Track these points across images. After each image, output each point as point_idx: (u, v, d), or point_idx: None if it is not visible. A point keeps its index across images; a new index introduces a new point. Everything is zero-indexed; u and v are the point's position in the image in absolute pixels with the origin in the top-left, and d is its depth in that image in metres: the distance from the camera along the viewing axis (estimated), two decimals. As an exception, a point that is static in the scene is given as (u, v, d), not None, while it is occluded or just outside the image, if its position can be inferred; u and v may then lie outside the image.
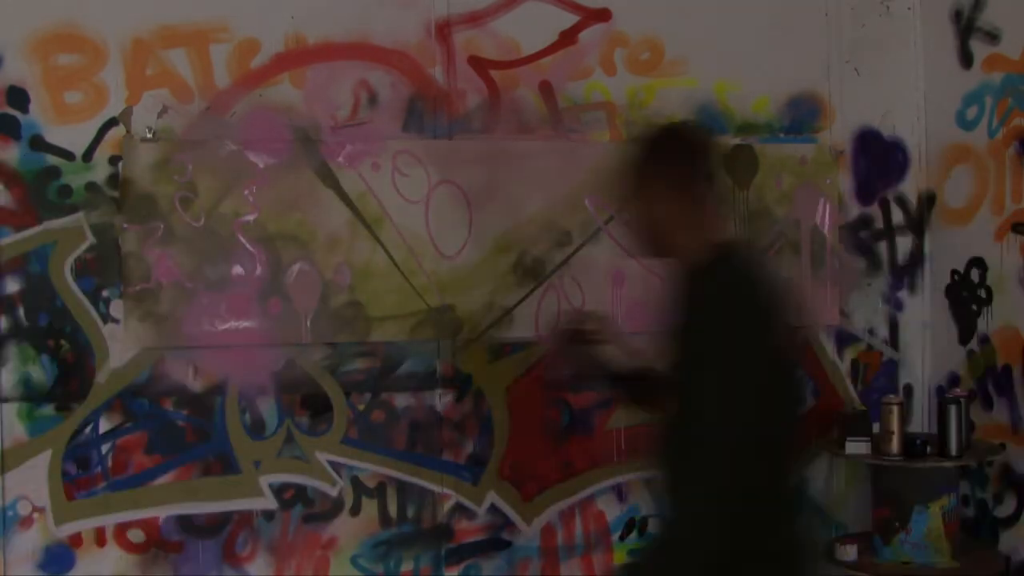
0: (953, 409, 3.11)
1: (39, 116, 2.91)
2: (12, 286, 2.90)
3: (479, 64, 3.20)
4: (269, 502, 3.09)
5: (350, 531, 3.15)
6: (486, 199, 3.18)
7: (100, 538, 2.97)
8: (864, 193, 3.53)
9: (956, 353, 3.43)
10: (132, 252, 2.95)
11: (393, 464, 3.17)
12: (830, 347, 3.51)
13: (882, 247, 3.56)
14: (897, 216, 3.56)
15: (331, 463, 3.12)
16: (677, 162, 2.05)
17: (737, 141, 3.39)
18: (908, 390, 3.58)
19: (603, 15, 3.29)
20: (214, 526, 3.05)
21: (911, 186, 3.57)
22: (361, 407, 3.15)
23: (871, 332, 3.55)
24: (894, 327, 3.57)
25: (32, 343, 2.91)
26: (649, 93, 3.33)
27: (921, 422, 3.57)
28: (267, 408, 3.08)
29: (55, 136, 2.92)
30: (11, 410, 2.90)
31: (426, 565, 3.21)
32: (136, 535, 3.00)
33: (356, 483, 3.15)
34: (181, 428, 3.02)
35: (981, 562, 3.16)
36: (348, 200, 3.09)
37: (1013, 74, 3.15)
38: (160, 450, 3.00)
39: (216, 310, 3.00)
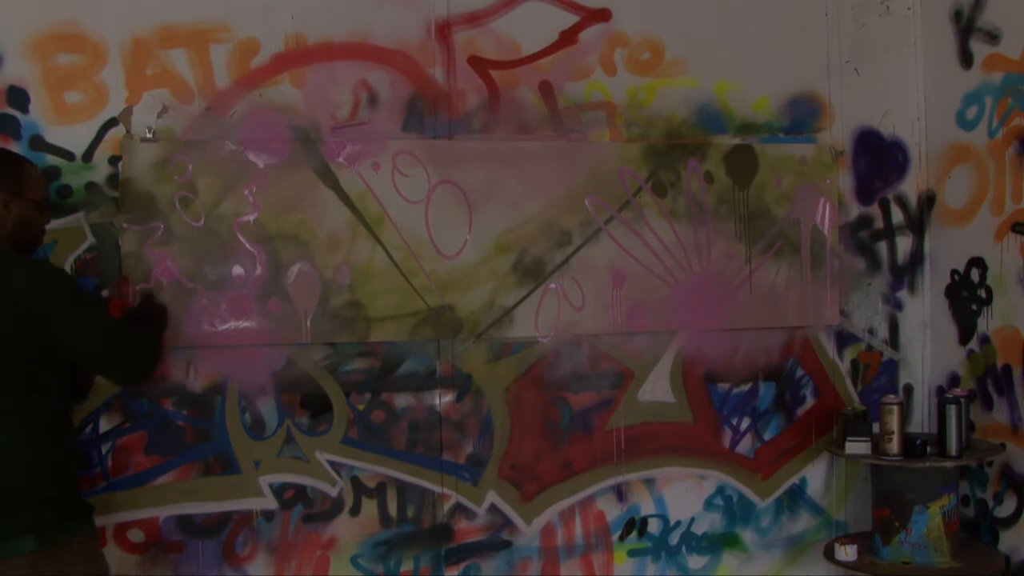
0: (953, 409, 3.12)
1: (39, 116, 2.91)
2: (12, 286, 2.90)
3: (479, 64, 3.21)
4: (269, 502, 3.09)
5: (350, 531, 3.15)
6: (486, 199, 3.18)
7: (100, 538, 2.96)
8: (864, 193, 3.54)
9: (956, 353, 3.43)
10: (132, 252, 2.95)
11: (393, 464, 3.17)
12: (830, 347, 3.52)
13: (882, 247, 3.56)
14: (897, 216, 3.56)
15: (331, 463, 3.13)
16: None
17: (737, 141, 3.40)
18: (908, 390, 3.58)
19: (603, 15, 3.29)
20: (214, 526, 3.05)
21: (911, 186, 3.57)
22: (361, 407, 3.15)
23: (871, 332, 3.55)
24: (894, 327, 3.57)
25: (32, 343, 2.91)
26: (649, 93, 3.33)
27: (921, 422, 3.57)
28: (267, 408, 3.08)
29: (55, 136, 2.92)
30: (11, 410, 2.90)
31: (426, 565, 3.21)
32: (136, 535, 3.00)
33: (356, 483, 3.15)
34: (181, 428, 3.02)
35: (981, 562, 3.16)
36: (348, 200, 3.09)
37: (1013, 74, 3.15)
38: (160, 450, 3.00)
39: (216, 310, 3.00)
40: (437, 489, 3.21)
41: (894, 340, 3.58)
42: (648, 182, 3.31)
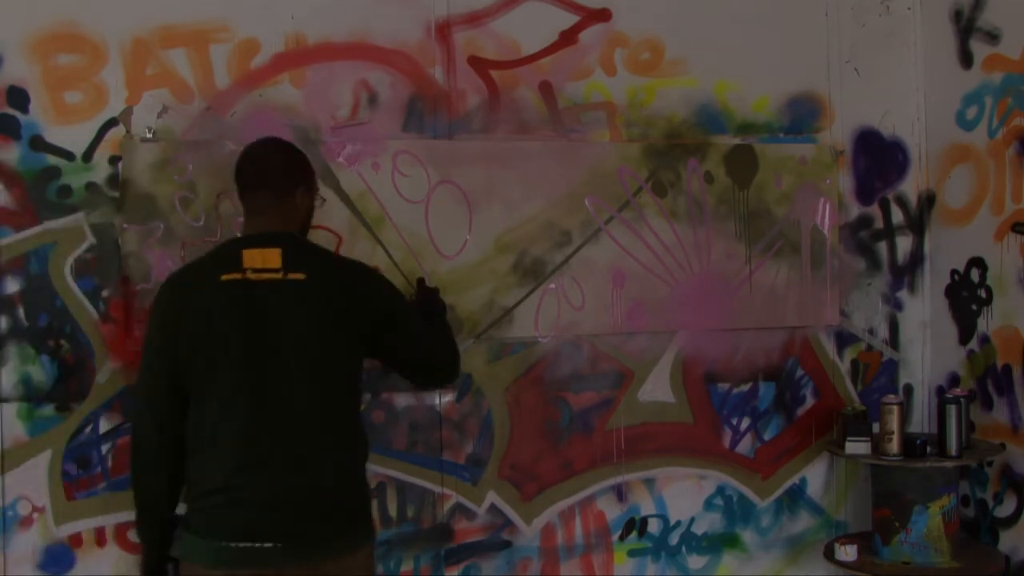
0: (953, 409, 3.12)
1: (39, 116, 2.90)
2: (12, 286, 2.90)
3: (479, 64, 3.21)
4: (269, 502, 3.08)
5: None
6: (486, 199, 3.18)
7: (100, 538, 2.97)
8: (864, 193, 3.54)
9: (956, 353, 3.43)
10: (132, 252, 2.95)
11: (393, 464, 3.17)
12: (830, 347, 3.52)
13: (882, 247, 3.56)
14: (897, 216, 3.56)
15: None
16: None
17: (737, 141, 3.40)
18: (908, 390, 3.58)
19: (603, 15, 3.29)
20: (214, 526, 3.05)
21: (911, 186, 3.57)
22: (361, 407, 3.14)
23: (871, 332, 3.55)
24: (894, 327, 3.58)
25: (32, 343, 2.91)
26: (649, 93, 3.33)
27: (921, 422, 3.57)
28: (267, 408, 3.07)
29: (55, 136, 2.91)
30: (11, 410, 2.90)
31: (426, 565, 3.21)
32: (136, 535, 2.99)
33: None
34: (181, 428, 3.02)
35: (981, 562, 3.16)
36: (348, 200, 3.09)
37: (1013, 74, 3.15)
38: (160, 450, 3.00)
39: (216, 310, 3.00)
40: (437, 489, 3.21)
41: (894, 340, 3.58)
42: (648, 182, 3.31)
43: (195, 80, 3.00)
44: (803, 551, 3.51)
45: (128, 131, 2.96)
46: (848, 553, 3.19)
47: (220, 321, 2.35)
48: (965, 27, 3.34)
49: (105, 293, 2.95)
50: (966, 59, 3.35)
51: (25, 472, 2.90)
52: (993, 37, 3.23)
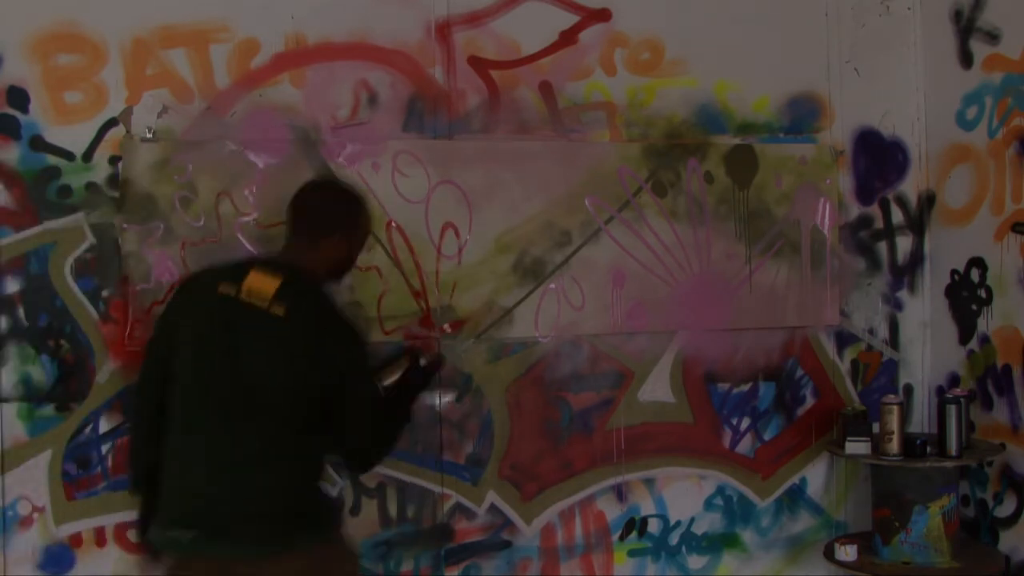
0: (953, 409, 3.12)
1: (39, 116, 2.91)
2: (12, 286, 2.90)
3: (479, 64, 3.21)
4: (269, 502, 3.08)
5: (350, 531, 3.14)
6: (486, 199, 3.18)
7: (100, 538, 2.97)
8: (864, 193, 3.54)
9: (956, 353, 3.43)
10: (132, 252, 2.95)
11: (393, 464, 3.16)
12: (830, 347, 3.52)
13: (882, 247, 3.56)
14: (897, 216, 3.56)
15: (331, 463, 3.12)
16: None
17: (737, 141, 3.40)
18: (908, 390, 3.58)
19: (603, 15, 3.29)
20: (214, 526, 3.05)
21: (911, 186, 3.57)
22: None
23: (871, 332, 3.55)
24: (894, 327, 3.58)
25: (32, 343, 2.91)
26: (649, 93, 3.33)
27: (921, 422, 3.57)
28: (267, 408, 3.07)
29: (55, 136, 2.92)
30: (11, 410, 2.90)
31: (426, 565, 3.21)
32: (136, 535, 2.99)
33: (356, 483, 3.15)
34: (181, 428, 3.02)
35: (981, 562, 3.16)
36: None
37: (1013, 74, 3.15)
38: (160, 450, 3.00)
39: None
40: (437, 489, 3.21)
41: (894, 340, 3.58)
42: (648, 182, 3.31)
43: (195, 80, 3.00)
44: (803, 551, 3.50)
45: (128, 131, 2.96)
46: (848, 553, 3.19)
47: (202, 329, 2.39)
48: (965, 27, 3.34)
49: (105, 293, 2.95)
50: (966, 59, 3.35)
51: (25, 472, 2.91)
52: (993, 37, 3.23)
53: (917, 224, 3.57)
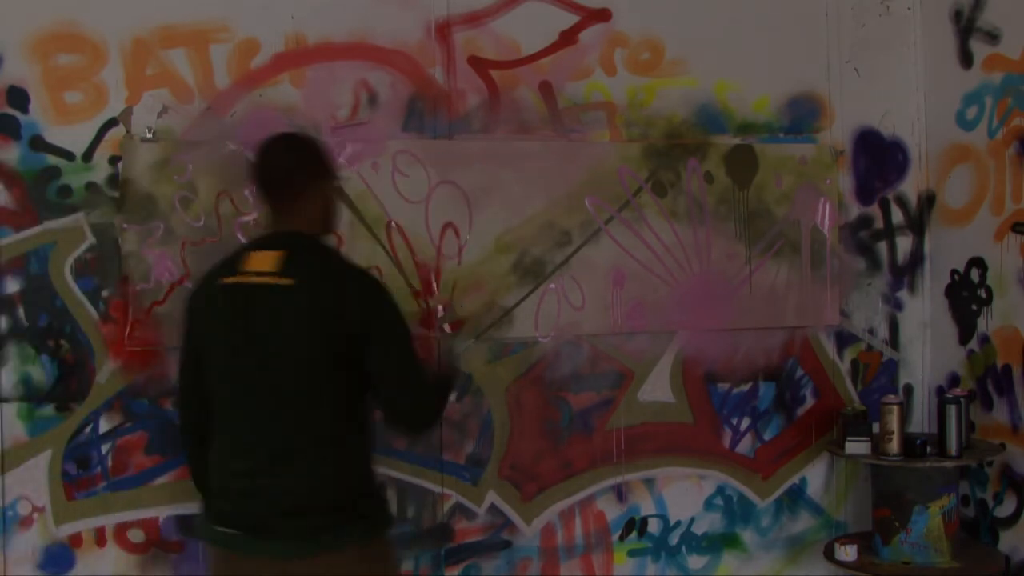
0: (953, 409, 3.12)
1: (39, 116, 2.91)
2: (12, 286, 2.90)
3: (479, 64, 3.21)
4: (269, 502, 3.08)
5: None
6: (486, 199, 3.18)
7: (100, 538, 2.97)
8: (864, 193, 3.54)
9: (956, 353, 3.43)
10: (132, 252, 2.95)
11: (393, 464, 3.16)
12: (830, 347, 3.52)
13: (882, 247, 3.56)
14: (897, 216, 3.56)
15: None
16: None
17: (737, 141, 3.40)
18: (908, 390, 3.58)
19: (603, 15, 3.29)
20: (214, 526, 3.05)
21: (911, 186, 3.57)
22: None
23: (871, 332, 3.55)
24: (894, 327, 3.58)
25: (32, 343, 2.91)
26: (649, 93, 3.33)
27: (921, 422, 3.57)
28: (267, 408, 3.07)
29: (55, 136, 2.92)
30: (11, 410, 2.90)
31: (426, 565, 3.21)
32: (136, 535, 3.00)
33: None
34: (181, 428, 3.02)
35: (981, 562, 3.16)
36: (348, 200, 3.08)
37: (1013, 74, 3.15)
38: (160, 450, 3.00)
39: (216, 310, 3.00)
40: (437, 489, 3.21)
41: (894, 340, 3.58)
42: (648, 182, 3.31)
43: (195, 80, 3.00)
44: (803, 551, 3.51)
45: (128, 131, 2.96)
46: (848, 553, 3.19)
47: (217, 323, 2.35)
48: (965, 27, 3.34)
49: (105, 293, 2.95)
50: (966, 59, 3.35)
51: (25, 472, 2.91)
52: (993, 37, 3.23)
53: (917, 224, 3.57)
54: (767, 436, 3.48)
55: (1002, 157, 3.20)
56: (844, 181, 3.51)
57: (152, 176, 2.96)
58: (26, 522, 2.92)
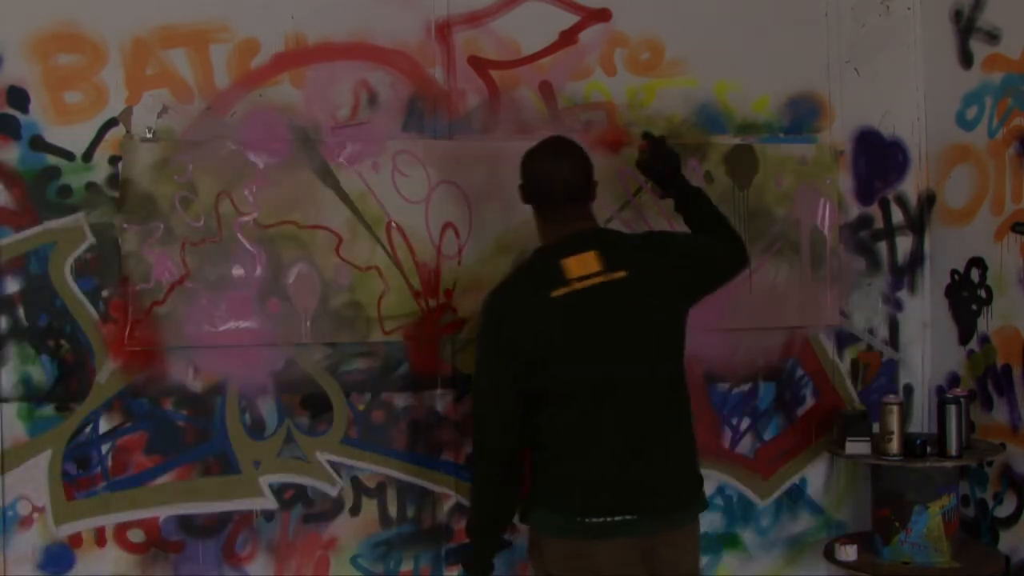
0: (953, 409, 3.12)
1: (39, 116, 2.91)
2: (12, 286, 2.90)
3: (479, 64, 3.21)
4: (269, 502, 3.09)
5: (350, 531, 3.15)
6: (486, 199, 3.18)
7: (100, 538, 2.97)
8: (864, 193, 3.54)
9: (956, 353, 3.43)
10: (132, 252, 2.95)
11: (393, 464, 3.17)
12: (830, 347, 3.52)
13: (882, 247, 3.56)
14: (897, 216, 3.56)
15: (331, 463, 3.12)
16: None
17: (737, 141, 3.40)
18: (908, 390, 3.58)
19: (603, 15, 3.29)
20: (214, 526, 3.05)
21: (911, 186, 3.57)
22: (361, 407, 3.15)
23: (871, 332, 3.55)
24: (894, 327, 3.58)
25: (32, 343, 2.91)
26: (649, 93, 3.33)
27: (921, 422, 3.57)
28: (267, 408, 3.08)
29: (55, 136, 2.92)
30: (11, 410, 2.90)
31: (426, 565, 3.21)
32: (136, 535, 3.00)
33: (356, 483, 3.15)
34: (181, 428, 3.02)
35: (981, 562, 3.16)
36: (348, 200, 3.09)
37: (1013, 74, 3.15)
38: (160, 450, 3.00)
39: (216, 310, 3.00)
40: (437, 489, 3.21)
41: (894, 340, 3.58)
42: (648, 182, 3.30)
43: (195, 80, 3.00)
44: (803, 551, 3.50)
45: (128, 131, 2.96)
46: (848, 553, 3.19)
47: (563, 334, 2.45)
48: (965, 27, 3.34)
49: (105, 293, 2.95)
50: (966, 59, 3.35)
51: (25, 472, 2.91)
52: (993, 37, 3.23)
53: (917, 224, 3.57)
54: (767, 436, 3.48)
55: (1002, 157, 3.20)
56: (844, 181, 3.51)
57: (152, 176, 2.96)
58: (26, 522, 2.92)
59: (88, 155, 2.94)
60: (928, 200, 3.56)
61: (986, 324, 3.30)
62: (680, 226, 3.34)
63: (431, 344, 3.18)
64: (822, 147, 3.47)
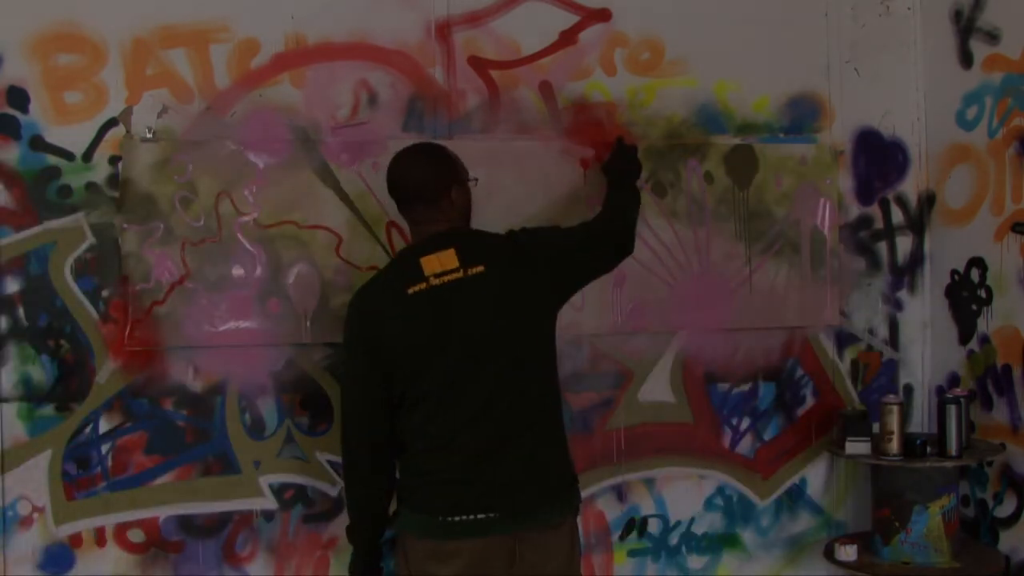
0: (953, 409, 3.12)
1: (39, 116, 2.91)
2: (12, 286, 2.90)
3: (479, 64, 3.21)
4: (269, 502, 3.09)
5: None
6: (486, 199, 3.18)
7: (100, 538, 2.97)
8: (864, 193, 3.54)
9: (956, 353, 3.43)
10: (132, 252, 2.95)
11: (393, 464, 3.17)
12: (830, 347, 3.52)
13: (882, 247, 3.56)
14: (897, 216, 3.56)
15: (331, 463, 3.12)
16: None
17: (737, 141, 3.39)
18: (908, 390, 3.58)
19: (603, 15, 3.29)
20: (214, 526, 3.05)
21: (911, 186, 3.57)
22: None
23: (871, 332, 3.55)
24: (894, 327, 3.57)
25: (32, 343, 2.91)
26: (649, 93, 3.33)
27: (921, 422, 3.57)
28: (267, 408, 3.08)
29: (55, 136, 2.92)
30: (11, 410, 2.90)
31: (426, 565, 3.20)
32: (136, 535, 3.00)
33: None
34: (181, 428, 3.02)
35: (981, 562, 3.16)
36: (348, 200, 3.09)
37: (1013, 74, 3.15)
38: (160, 450, 3.00)
39: (216, 310, 3.00)
40: (437, 489, 3.21)
41: (894, 340, 3.58)
42: (648, 182, 3.30)
43: (195, 80, 3.00)
44: (803, 551, 3.50)
45: (128, 131, 2.96)
46: (848, 553, 3.19)
47: (418, 330, 2.44)
48: (965, 27, 3.34)
49: (105, 293, 2.95)
50: (966, 59, 3.34)
51: (25, 472, 2.91)
52: (993, 37, 3.23)
53: (917, 224, 3.57)
54: (767, 436, 3.48)
55: (1002, 157, 3.20)
56: (844, 181, 3.51)
57: (152, 176, 2.96)
58: (26, 522, 2.92)
59: (88, 155, 2.94)
60: (928, 200, 3.56)
61: (986, 324, 3.30)
62: (680, 225, 3.35)
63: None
64: (822, 147, 3.47)
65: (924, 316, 3.57)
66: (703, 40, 3.35)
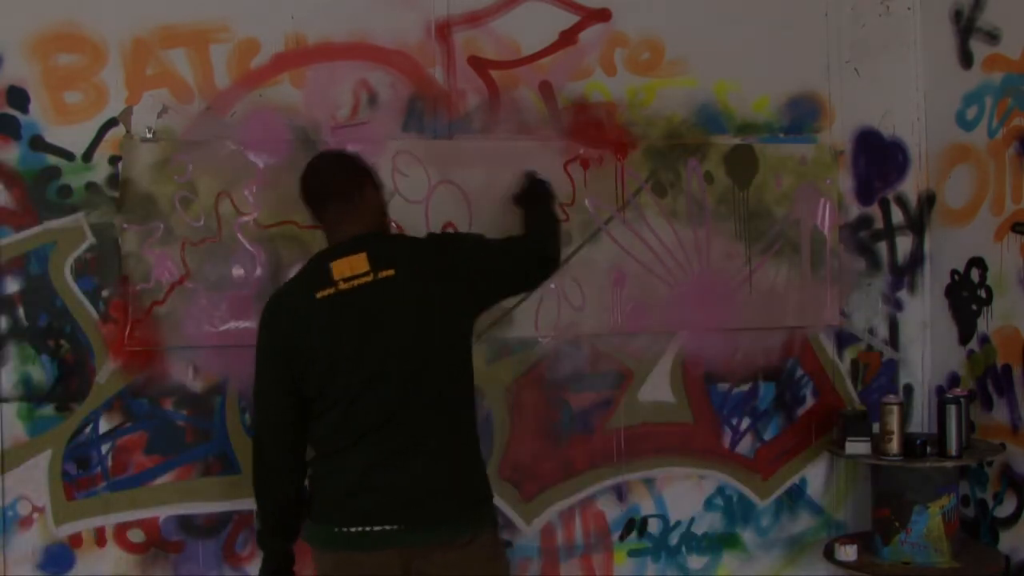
0: (953, 409, 3.12)
1: (39, 116, 2.91)
2: (12, 286, 2.90)
3: (479, 64, 3.21)
4: (269, 502, 3.08)
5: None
6: (486, 199, 3.18)
7: (100, 538, 2.97)
8: (864, 193, 3.54)
9: (956, 353, 3.43)
10: (132, 252, 2.95)
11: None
12: (830, 347, 3.52)
13: (882, 247, 3.56)
14: (897, 216, 3.56)
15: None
16: None
17: (737, 141, 3.40)
18: (908, 390, 3.58)
19: (603, 15, 3.29)
20: (214, 526, 3.05)
21: (911, 186, 3.57)
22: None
23: (871, 332, 3.55)
24: (894, 327, 3.58)
25: (32, 343, 2.91)
26: (649, 93, 3.33)
27: (921, 422, 3.57)
28: (267, 408, 3.07)
29: (55, 136, 2.92)
30: (11, 410, 2.90)
31: (426, 565, 3.20)
32: (136, 535, 3.00)
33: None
34: (181, 428, 3.02)
35: (981, 562, 3.16)
36: (348, 200, 3.08)
37: (1013, 74, 3.15)
38: (160, 450, 3.00)
39: (216, 310, 3.00)
40: (437, 489, 3.21)
41: (894, 340, 3.58)
42: (648, 182, 3.31)
43: (195, 80, 3.00)
44: (803, 551, 3.51)
45: (128, 131, 2.96)
46: (848, 553, 3.19)
47: (325, 335, 2.39)
48: (965, 27, 3.34)
49: (105, 293, 2.95)
50: (966, 59, 3.35)
51: (25, 472, 2.91)
52: (993, 37, 3.23)
53: (917, 224, 3.57)
54: (767, 436, 3.48)
55: (1002, 157, 3.20)
56: (844, 181, 3.51)
57: (152, 176, 2.96)
58: (26, 522, 2.92)
59: (88, 155, 2.94)
60: (928, 200, 3.56)
61: (986, 324, 3.30)
62: (680, 225, 3.35)
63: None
64: (822, 147, 3.47)
65: (924, 316, 3.58)
66: (703, 40, 3.35)
